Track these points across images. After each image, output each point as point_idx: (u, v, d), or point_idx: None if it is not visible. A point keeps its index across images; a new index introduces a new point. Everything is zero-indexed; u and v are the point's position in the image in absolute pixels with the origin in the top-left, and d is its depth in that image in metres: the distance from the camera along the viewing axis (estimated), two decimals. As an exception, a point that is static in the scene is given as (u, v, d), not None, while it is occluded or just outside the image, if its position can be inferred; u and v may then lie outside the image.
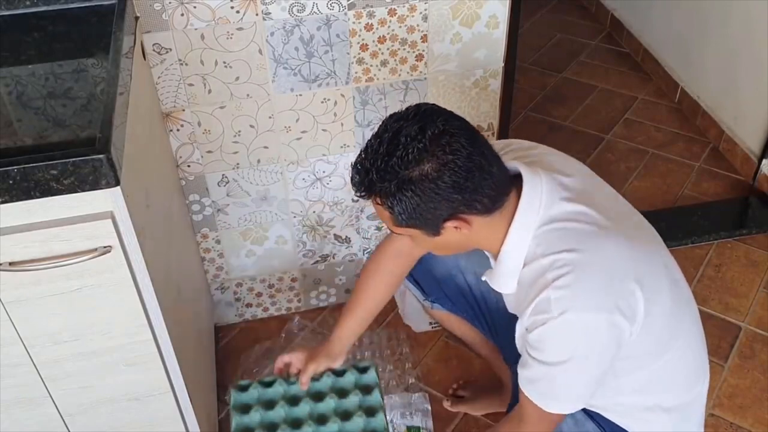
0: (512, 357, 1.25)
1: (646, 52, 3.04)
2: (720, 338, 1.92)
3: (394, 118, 1.06)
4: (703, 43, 2.65)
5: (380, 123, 1.07)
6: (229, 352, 1.93)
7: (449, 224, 1.07)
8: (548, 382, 1.12)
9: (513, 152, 1.23)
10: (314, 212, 1.81)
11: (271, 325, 1.98)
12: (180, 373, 1.30)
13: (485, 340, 1.62)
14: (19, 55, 1.24)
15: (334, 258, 1.93)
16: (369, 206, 1.82)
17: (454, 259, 1.47)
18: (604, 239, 1.09)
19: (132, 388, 1.29)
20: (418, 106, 1.07)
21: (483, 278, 1.24)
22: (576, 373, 1.10)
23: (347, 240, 1.89)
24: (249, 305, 1.97)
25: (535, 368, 1.11)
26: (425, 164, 1.01)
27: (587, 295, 1.05)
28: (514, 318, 1.18)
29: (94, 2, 1.32)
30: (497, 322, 1.48)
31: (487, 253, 1.26)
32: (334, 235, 1.87)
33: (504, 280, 1.16)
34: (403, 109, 1.08)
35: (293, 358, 1.43)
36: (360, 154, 1.07)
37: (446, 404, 1.77)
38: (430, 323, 1.92)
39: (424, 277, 1.53)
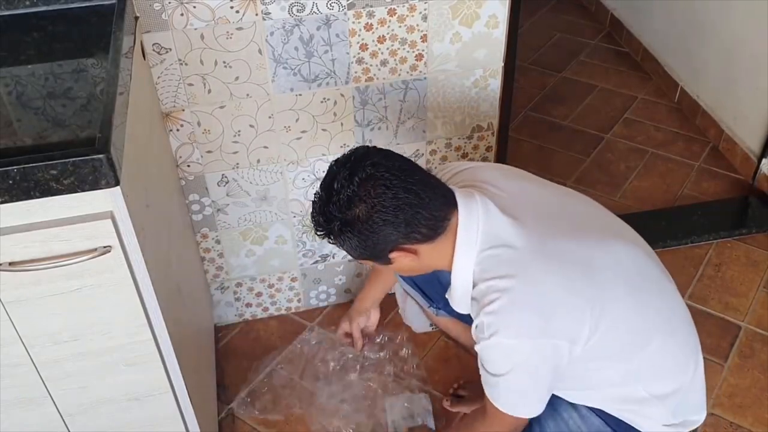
0: None
1: (645, 52, 3.04)
2: (720, 338, 1.92)
3: (334, 163, 1.18)
4: (702, 43, 2.65)
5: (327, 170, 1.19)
6: (229, 352, 1.93)
7: (395, 255, 1.18)
8: (498, 389, 1.22)
9: (448, 175, 1.34)
10: (314, 212, 1.81)
11: (271, 325, 1.98)
12: (180, 373, 1.30)
13: None
14: (19, 55, 1.24)
15: (333, 258, 1.93)
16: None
17: None
18: (539, 263, 1.16)
19: (132, 388, 1.29)
20: (353, 150, 1.18)
21: (446, 295, 1.32)
22: (516, 384, 1.20)
23: (347, 240, 1.89)
24: (249, 305, 1.97)
25: (485, 375, 1.23)
26: (356, 208, 1.13)
27: (513, 322, 1.14)
28: None
29: (94, 2, 1.32)
30: None
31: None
32: (334, 234, 1.87)
33: (458, 301, 1.25)
34: (344, 153, 1.19)
35: (342, 329, 1.78)
36: (314, 198, 1.20)
37: (446, 404, 1.77)
38: (431, 325, 1.92)
39: (429, 284, 1.53)
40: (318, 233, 1.20)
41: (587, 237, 1.23)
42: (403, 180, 1.14)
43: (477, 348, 1.21)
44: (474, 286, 1.20)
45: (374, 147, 1.21)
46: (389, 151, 1.19)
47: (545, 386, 1.21)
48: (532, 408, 1.24)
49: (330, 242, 1.21)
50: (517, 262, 1.16)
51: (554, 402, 1.32)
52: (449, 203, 1.19)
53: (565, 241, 1.19)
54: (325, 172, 1.19)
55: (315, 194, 1.20)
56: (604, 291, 1.18)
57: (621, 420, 1.31)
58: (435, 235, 1.18)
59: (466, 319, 1.55)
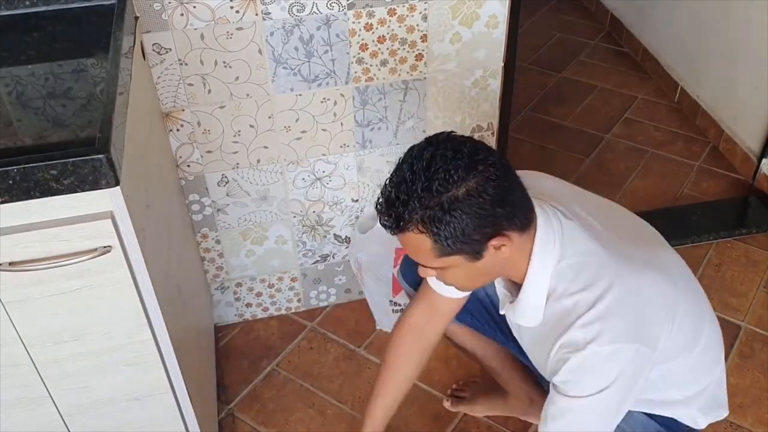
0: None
1: (645, 52, 3.04)
2: (720, 338, 1.92)
3: (417, 149, 1.06)
4: (702, 43, 2.65)
5: (398, 162, 1.07)
6: (229, 352, 1.93)
7: (493, 242, 1.07)
8: (570, 419, 1.14)
9: None
10: (314, 212, 1.81)
11: (271, 325, 1.98)
12: (180, 373, 1.30)
13: (497, 352, 1.62)
14: (19, 55, 1.24)
15: (333, 258, 1.93)
16: (369, 206, 1.82)
17: None
18: (627, 268, 1.13)
19: (132, 388, 1.29)
20: (434, 135, 1.08)
21: (501, 312, 1.26)
22: (610, 400, 1.12)
23: (347, 240, 1.89)
24: (249, 305, 1.97)
25: (559, 403, 1.15)
26: (469, 181, 1.02)
27: (612, 328, 1.08)
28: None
29: (94, 2, 1.32)
30: None
31: (501, 289, 1.27)
32: (334, 234, 1.87)
33: (529, 314, 1.17)
34: (418, 142, 1.08)
35: None
36: (385, 191, 1.07)
37: (446, 404, 1.77)
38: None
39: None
40: (397, 229, 1.06)
41: (646, 242, 1.22)
42: (500, 158, 1.06)
43: (564, 371, 1.11)
44: (549, 299, 1.14)
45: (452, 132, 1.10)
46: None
47: (619, 411, 1.16)
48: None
49: (415, 234, 1.05)
50: (606, 269, 1.12)
51: None
52: (530, 200, 1.12)
53: (634, 248, 1.17)
54: (401, 163, 1.06)
55: (396, 183, 1.05)
56: (677, 294, 1.16)
57: (665, 416, 1.29)
58: (527, 226, 1.10)
59: (480, 326, 1.54)
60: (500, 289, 1.27)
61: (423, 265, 1.13)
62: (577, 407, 1.13)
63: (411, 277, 1.46)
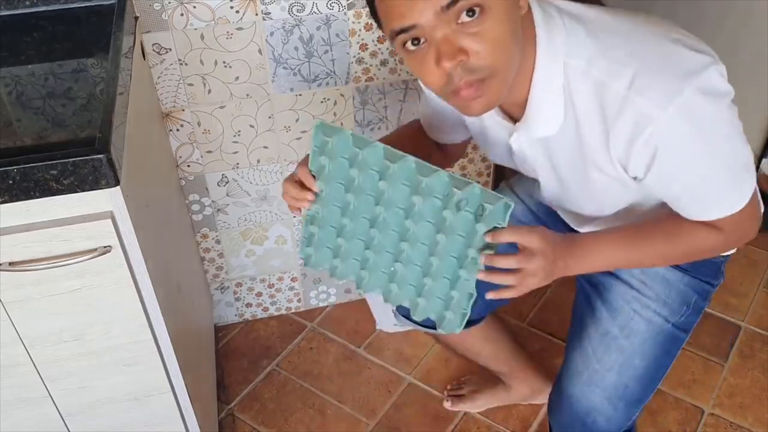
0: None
1: (645, 52, 3.04)
2: (720, 338, 1.92)
3: None
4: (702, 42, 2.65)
5: None
6: (229, 352, 1.93)
7: None
8: (724, 178, 0.96)
9: None
10: (314, 212, 1.81)
11: (271, 325, 1.98)
12: (180, 373, 1.30)
13: (498, 351, 1.61)
14: (19, 55, 1.24)
15: (334, 258, 1.93)
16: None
17: None
18: (639, 22, 0.97)
19: (132, 388, 1.29)
20: None
21: (511, 139, 1.03)
22: (734, 143, 0.97)
23: (347, 240, 1.89)
24: (249, 305, 1.97)
25: (707, 184, 0.94)
26: None
27: (668, 75, 0.88)
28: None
29: (94, 2, 1.32)
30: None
31: (502, 122, 1.03)
32: (334, 234, 1.87)
33: (546, 110, 0.94)
34: None
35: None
36: None
37: (447, 405, 1.77)
38: (395, 324, 1.85)
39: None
40: None
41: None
42: None
43: (658, 159, 0.89)
44: (569, 85, 0.92)
45: None
46: None
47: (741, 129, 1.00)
48: (750, 164, 0.99)
49: None
50: (620, 27, 0.93)
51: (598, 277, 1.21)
52: None
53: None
54: None
55: None
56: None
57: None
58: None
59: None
60: (500, 121, 1.04)
61: None
62: (720, 167, 0.94)
63: (404, 310, 1.34)
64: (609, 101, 0.89)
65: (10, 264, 1.06)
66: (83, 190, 1.00)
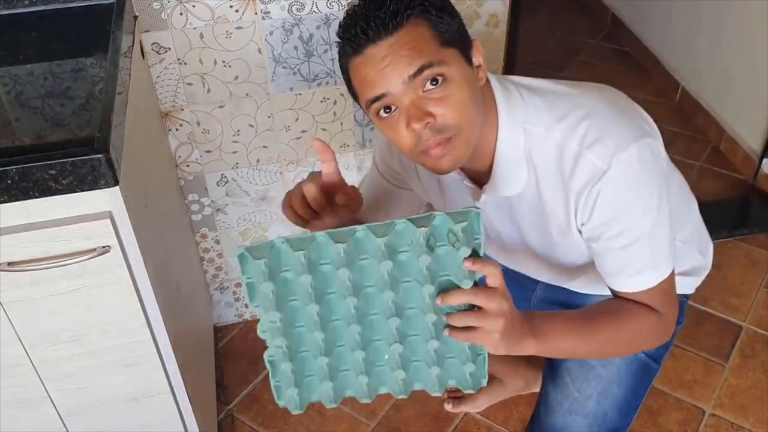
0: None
1: (646, 51, 3.04)
2: (721, 338, 1.92)
3: None
4: (703, 42, 2.65)
5: None
6: (229, 353, 1.93)
7: (473, 56, 0.97)
8: (645, 246, 1.01)
9: None
10: (314, 212, 1.81)
11: (271, 325, 1.98)
12: (179, 374, 1.29)
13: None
14: (18, 55, 1.24)
15: (333, 258, 1.93)
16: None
17: None
18: (588, 90, 1.04)
19: (131, 389, 1.29)
20: None
21: (480, 201, 1.09)
22: (658, 214, 1.00)
23: (347, 240, 1.89)
24: (248, 305, 1.96)
25: (629, 248, 1.00)
26: None
27: (619, 133, 0.97)
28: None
29: (93, 1, 1.32)
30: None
31: (468, 185, 1.10)
32: (334, 234, 1.87)
33: (509, 177, 1.03)
34: None
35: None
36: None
37: (448, 407, 1.77)
38: None
39: None
40: (399, 13, 0.90)
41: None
42: None
43: (602, 206, 0.98)
44: (531, 149, 1.00)
45: None
46: None
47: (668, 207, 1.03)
48: (673, 251, 1.05)
49: (415, 19, 0.90)
50: (571, 95, 1.02)
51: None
52: None
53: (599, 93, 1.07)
54: None
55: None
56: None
57: None
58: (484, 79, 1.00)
59: None
60: (467, 185, 1.10)
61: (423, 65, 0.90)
62: (644, 229, 0.99)
63: None
64: (566, 159, 0.99)
65: (9, 264, 1.06)
66: (82, 190, 1.00)
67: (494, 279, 0.87)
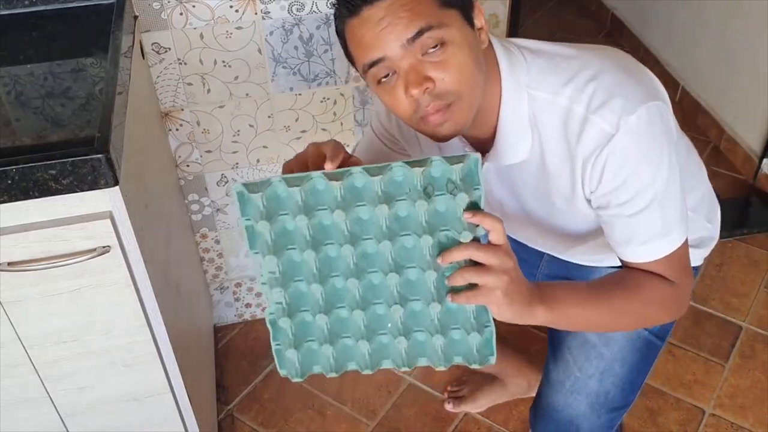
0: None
1: (646, 51, 3.04)
2: (721, 338, 1.92)
3: None
4: (703, 42, 2.65)
5: None
6: (229, 353, 1.93)
7: (476, 17, 0.93)
8: (655, 212, 0.97)
9: None
10: (314, 212, 1.81)
11: (271, 325, 1.98)
12: (179, 374, 1.29)
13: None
14: (18, 55, 1.24)
15: (333, 258, 1.93)
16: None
17: None
18: (595, 52, 1.01)
19: (131, 389, 1.29)
20: None
21: (483, 167, 0.96)
22: (668, 180, 0.96)
23: (347, 240, 1.89)
24: (248, 305, 1.97)
25: (639, 215, 0.96)
26: None
27: (627, 94, 0.94)
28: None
29: (93, 1, 1.32)
30: None
31: (468, 151, 1.06)
32: (334, 234, 1.87)
33: (513, 144, 0.99)
34: None
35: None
36: None
37: (448, 407, 1.77)
38: None
39: None
40: None
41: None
42: None
43: (610, 173, 0.94)
44: (535, 113, 0.97)
45: None
46: None
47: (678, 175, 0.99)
48: (685, 218, 1.00)
49: None
50: (577, 55, 0.98)
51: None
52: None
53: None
54: None
55: None
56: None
57: None
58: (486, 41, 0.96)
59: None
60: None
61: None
62: (654, 194, 0.95)
63: None
64: (571, 126, 0.95)
65: (9, 264, 1.06)
66: (82, 190, 1.00)
67: (496, 234, 0.84)
